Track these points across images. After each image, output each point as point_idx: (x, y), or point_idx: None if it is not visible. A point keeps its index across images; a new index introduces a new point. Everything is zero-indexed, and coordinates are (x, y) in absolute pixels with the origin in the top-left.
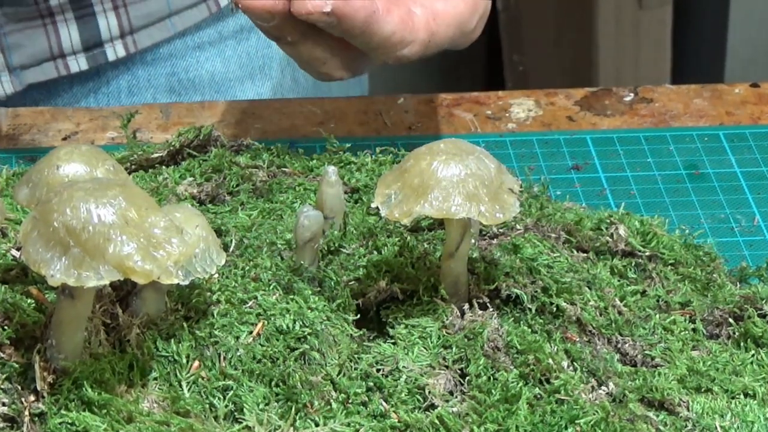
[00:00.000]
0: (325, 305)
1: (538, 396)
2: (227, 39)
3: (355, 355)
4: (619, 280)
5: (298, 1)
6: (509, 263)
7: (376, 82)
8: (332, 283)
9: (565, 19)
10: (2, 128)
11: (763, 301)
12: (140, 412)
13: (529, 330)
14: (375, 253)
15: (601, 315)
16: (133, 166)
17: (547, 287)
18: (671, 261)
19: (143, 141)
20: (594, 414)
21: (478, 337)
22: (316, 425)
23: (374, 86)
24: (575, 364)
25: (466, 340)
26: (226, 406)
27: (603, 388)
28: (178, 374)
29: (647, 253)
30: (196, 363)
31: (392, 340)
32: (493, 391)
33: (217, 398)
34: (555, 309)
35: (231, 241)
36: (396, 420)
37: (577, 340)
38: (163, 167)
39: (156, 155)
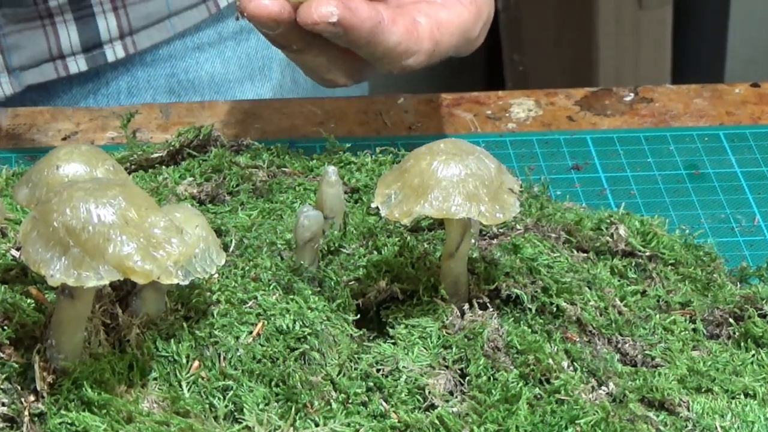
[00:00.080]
0: (325, 305)
1: (538, 396)
2: (227, 40)
3: (355, 355)
4: (619, 280)
5: (304, 10)
6: (509, 263)
7: (376, 82)
8: (332, 283)
9: (565, 19)
10: (2, 128)
11: (764, 301)
12: (140, 413)
13: (529, 330)
14: (375, 253)
15: (601, 315)
16: (132, 166)
17: (547, 287)
18: (671, 261)
19: (143, 141)
20: (594, 414)
21: (478, 337)
22: (316, 425)
23: (374, 86)
24: (575, 364)
25: (466, 340)
26: (226, 406)
27: (603, 388)
28: (178, 374)
29: (647, 253)
30: (196, 363)
31: (392, 340)
32: (493, 391)
33: (217, 398)
34: (555, 309)
35: (231, 241)
36: (396, 420)
37: (578, 340)
38: (163, 167)
39: (156, 155)
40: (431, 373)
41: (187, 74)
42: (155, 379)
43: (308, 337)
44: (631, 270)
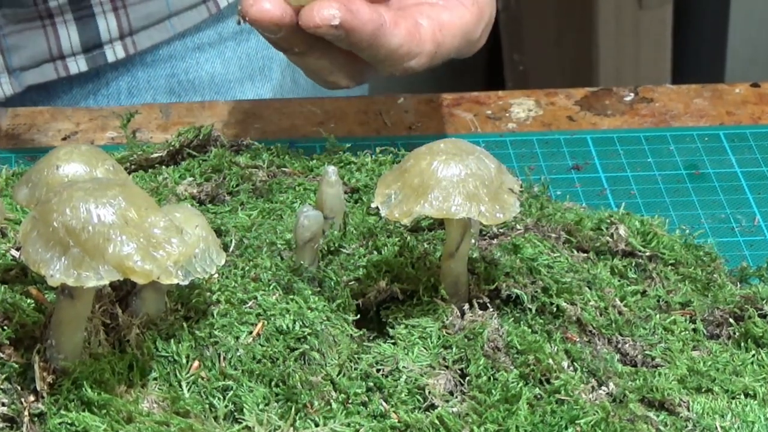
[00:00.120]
0: (325, 305)
1: (539, 396)
2: (227, 40)
3: (355, 355)
4: (619, 280)
5: (306, 13)
6: (509, 263)
7: (377, 82)
8: (332, 283)
9: (565, 19)
10: (2, 128)
11: (764, 301)
12: (140, 413)
13: (530, 330)
14: (375, 253)
15: (601, 315)
16: (132, 166)
17: (548, 287)
18: (671, 261)
19: (143, 141)
20: (594, 414)
21: (478, 338)
22: (316, 425)
23: (374, 86)
24: (575, 364)
25: (466, 340)
26: (226, 407)
27: (603, 388)
28: (177, 374)
29: (647, 253)
30: (196, 363)
31: (392, 340)
32: (493, 391)
33: (216, 398)
34: (555, 309)
35: (231, 241)
36: (396, 420)
37: (578, 340)
38: (163, 167)
39: (156, 155)
40: (431, 373)
41: (187, 74)
42: (155, 379)
43: (308, 337)
44: (631, 270)
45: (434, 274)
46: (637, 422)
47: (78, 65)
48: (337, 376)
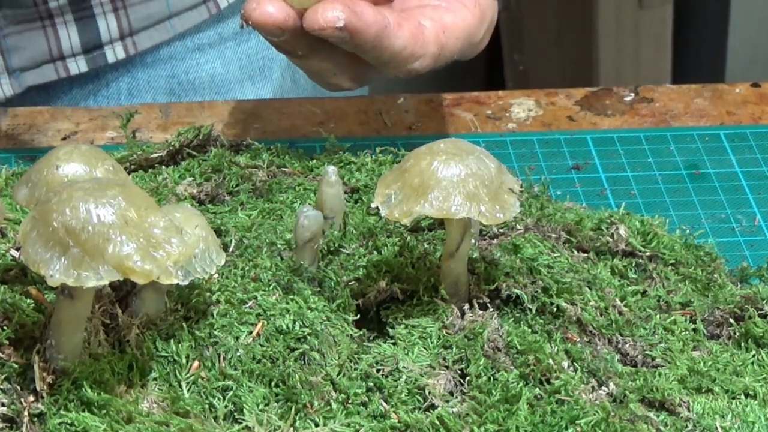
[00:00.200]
0: (325, 305)
1: (539, 396)
2: (227, 41)
3: (355, 356)
4: (619, 281)
5: (310, 16)
6: (509, 263)
7: (377, 82)
8: (332, 283)
9: (565, 19)
10: (2, 128)
11: (764, 302)
12: (140, 413)
13: (530, 330)
14: (375, 253)
15: (601, 315)
16: (132, 166)
17: (548, 287)
18: (672, 261)
19: (143, 141)
20: (594, 414)
21: (478, 338)
22: (316, 425)
23: (374, 86)
24: (575, 364)
25: (466, 340)
26: (226, 407)
27: (603, 388)
28: (177, 374)
29: (648, 253)
30: (196, 363)
31: (392, 341)
32: (493, 391)
33: (216, 398)
34: (555, 309)
35: (231, 241)
36: (396, 420)
37: (578, 340)
38: (163, 167)
39: (155, 155)
40: (431, 373)
41: (187, 75)
42: (155, 379)
43: (308, 337)
44: (631, 270)
45: (434, 274)
46: (637, 422)
47: (78, 66)
48: (337, 376)
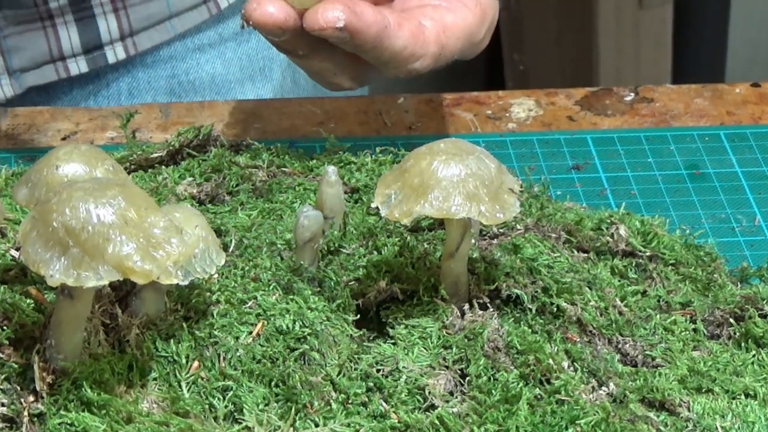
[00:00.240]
0: (325, 305)
1: (539, 396)
2: (227, 41)
3: (355, 356)
4: (619, 281)
5: (310, 16)
6: (509, 263)
7: (377, 82)
8: (332, 283)
9: (565, 19)
10: (1, 128)
11: (764, 302)
12: (140, 413)
13: (530, 330)
14: (375, 253)
15: (601, 315)
16: (132, 166)
17: (548, 287)
18: (672, 261)
19: (143, 141)
20: (594, 414)
21: (478, 338)
22: (316, 426)
23: (374, 86)
24: (576, 364)
25: (466, 340)
26: (226, 407)
27: (603, 388)
28: (177, 374)
29: (648, 254)
30: (196, 363)
31: (392, 341)
32: (493, 391)
33: (216, 399)
34: (555, 309)
35: (231, 241)
36: (396, 420)
37: (578, 340)
38: (163, 167)
39: (155, 155)
40: (431, 373)
41: (187, 75)
42: (155, 379)
43: (308, 337)
44: (631, 270)
45: (434, 274)
46: (637, 422)
47: (78, 66)
48: (337, 376)
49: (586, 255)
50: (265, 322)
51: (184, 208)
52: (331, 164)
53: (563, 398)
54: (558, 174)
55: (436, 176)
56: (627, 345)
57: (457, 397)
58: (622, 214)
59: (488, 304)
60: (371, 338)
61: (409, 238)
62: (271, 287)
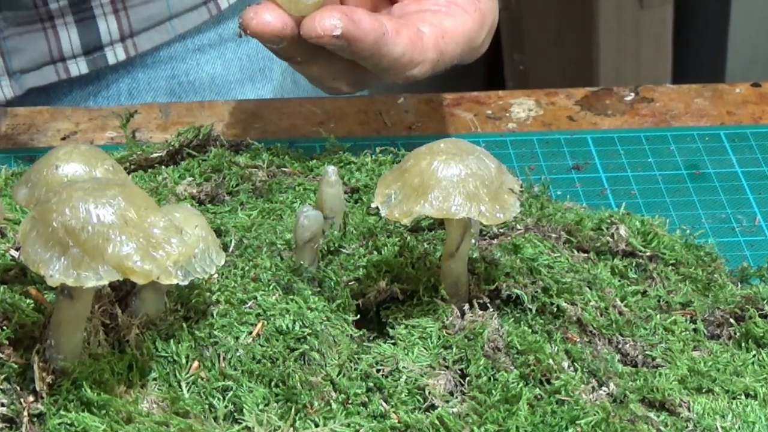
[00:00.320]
0: (325, 305)
1: (539, 396)
2: (228, 41)
3: (355, 356)
4: (619, 281)
5: (308, 24)
6: (509, 263)
7: (376, 86)
8: (332, 283)
9: (565, 19)
10: (1, 128)
11: (765, 302)
12: (139, 413)
13: (530, 330)
14: (375, 253)
15: (601, 315)
16: (132, 166)
17: (548, 287)
18: (672, 261)
19: (142, 141)
20: (594, 414)
21: (478, 338)
22: (316, 426)
23: (374, 86)
24: (576, 364)
25: (466, 340)
26: (226, 407)
27: (604, 388)
28: (177, 375)
29: (648, 254)
30: (196, 363)
31: (392, 341)
32: (493, 391)
33: (216, 399)
34: (555, 309)
35: (230, 241)
36: (396, 420)
37: (578, 340)
38: (163, 167)
39: (155, 155)
40: (431, 373)
41: (187, 76)
42: (155, 379)
43: (308, 337)
44: (631, 270)
45: (434, 274)
46: (637, 423)
47: (78, 67)
48: (337, 376)
49: (586, 255)
50: (265, 322)
51: (184, 208)
52: (331, 164)
53: (563, 398)
54: (558, 174)
55: (436, 176)
56: (627, 345)
57: (457, 397)
58: (623, 214)
59: (488, 304)
60: (371, 338)
61: (409, 238)
62: (271, 287)
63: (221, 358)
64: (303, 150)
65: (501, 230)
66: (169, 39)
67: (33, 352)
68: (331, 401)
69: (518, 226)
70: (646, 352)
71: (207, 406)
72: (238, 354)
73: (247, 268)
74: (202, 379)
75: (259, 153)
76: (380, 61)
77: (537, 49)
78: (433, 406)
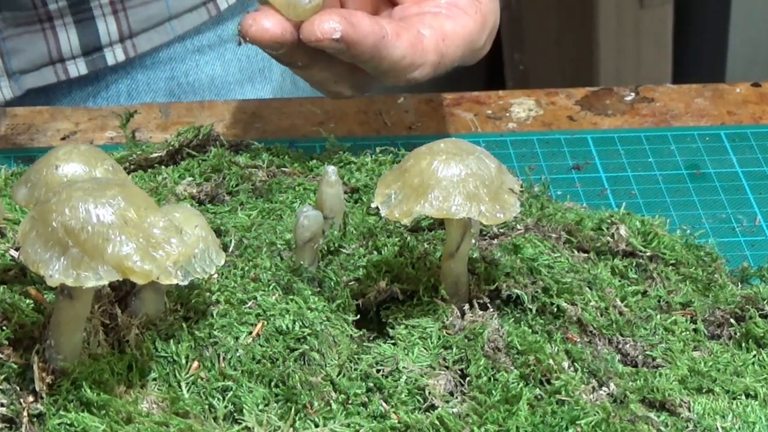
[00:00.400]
0: (324, 305)
1: (539, 397)
2: (227, 42)
3: (355, 356)
4: (620, 281)
5: (307, 28)
6: (510, 263)
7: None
8: (332, 283)
9: (566, 18)
10: (1, 128)
11: (765, 302)
12: (139, 413)
13: (530, 330)
14: (375, 253)
15: (601, 315)
16: (132, 166)
17: (548, 287)
18: (672, 261)
19: (142, 141)
20: (595, 415)
21: (478, 338)
22: (316, 426)
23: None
24: (576, 364)
25: (466, 340)
26: (226, 407)
27: (604, 388)
28: (177, 375)
29: (648, 254)
30: (196, 363)
31: (392, 341)
32: (493, 391)
33: (216, 399)
34: (556, 309)
35: (230, 241)
36: (396, 421)
37: (578, 340)
38: (162, 167)
39: (155, 155)
40: (431, 373)
41: (187, 77)
42: (154, 379)
43: (308, 337)
44: (631, 270)
45: (434, 274)
46: (637, 423)
47: (78, 68)
48: (337, 376)
49: (586, 255)
50: (265, 323)
51: (184, 208)
52: (331, 164)
53: (563, 398)
54: (558, 174)
55: (436, 176)
56: (627, 345)
57: (457, 398)
58: (623, 214)
59: (488, 304)
60: (371, 338)
61: (409, 238)
62: (270, 287)
63: (221, 358)
64: (303, 150)
65: (501, 230)
66: (168, 40)
67: (33, 352)
68: (331, 401)
69: (518, 226)
70: (647, 352)
71: (207, 407)
72: (238, 354)
73: (247, 268)
74: (202, 379)
75: (259, 153)
76: (380, 64)
77: (537, 49)
78: (433, 407)
